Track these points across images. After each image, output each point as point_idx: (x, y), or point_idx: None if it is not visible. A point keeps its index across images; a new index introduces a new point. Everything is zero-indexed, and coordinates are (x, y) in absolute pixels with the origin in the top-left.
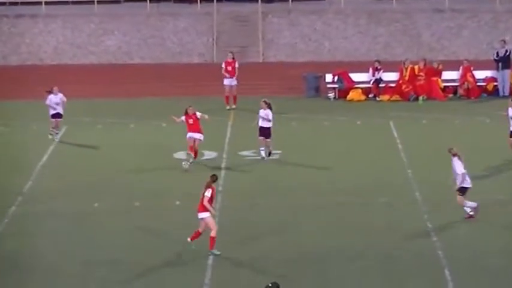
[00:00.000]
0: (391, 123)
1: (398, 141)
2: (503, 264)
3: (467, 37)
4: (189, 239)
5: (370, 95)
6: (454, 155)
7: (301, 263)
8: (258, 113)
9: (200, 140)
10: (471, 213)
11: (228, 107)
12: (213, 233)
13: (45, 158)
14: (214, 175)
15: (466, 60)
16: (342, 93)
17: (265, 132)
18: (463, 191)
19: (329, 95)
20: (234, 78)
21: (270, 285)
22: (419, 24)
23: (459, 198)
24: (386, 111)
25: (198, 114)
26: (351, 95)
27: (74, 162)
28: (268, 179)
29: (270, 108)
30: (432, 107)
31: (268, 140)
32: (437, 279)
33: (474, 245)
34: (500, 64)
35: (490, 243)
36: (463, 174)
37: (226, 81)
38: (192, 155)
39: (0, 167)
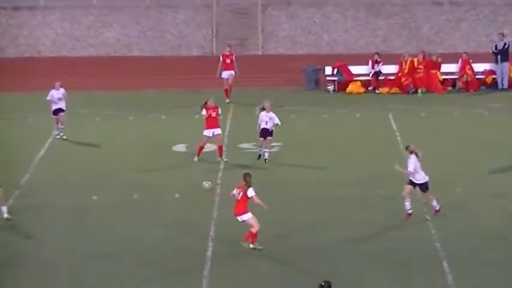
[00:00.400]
0: (390, 116)
1: (397, 133)
2: (501, 256)
3: (466, 30)
4: (251, 245)
5: (369, 88)
6: (411, 152)
7: (300, 256)
8: (258, 114)
9: (220, 134)
10: (409, 211)
11: (227, 100)
12: (254, 230)
13: (42, 151)
14: (248, 173)
15: (465, 53)
16: (342, 86)
17: (267, 133)
18: (427, 186)
19: (328, 87)
20: (232, 70)
21: (323, 283)
22: (418, 17)
23: (426, 195)
24: (385, 103)
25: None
26: (351, 87)
27: (72, 155)
28: (268, 171)
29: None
30: (431, 100)
31: (270, 138)
32: (435, 272)
33: (472, 238)
34: (499, 57)
35: (488, 235)
36: (412, 173)
37: (224, 74)
38: (197, 158)
39: None
